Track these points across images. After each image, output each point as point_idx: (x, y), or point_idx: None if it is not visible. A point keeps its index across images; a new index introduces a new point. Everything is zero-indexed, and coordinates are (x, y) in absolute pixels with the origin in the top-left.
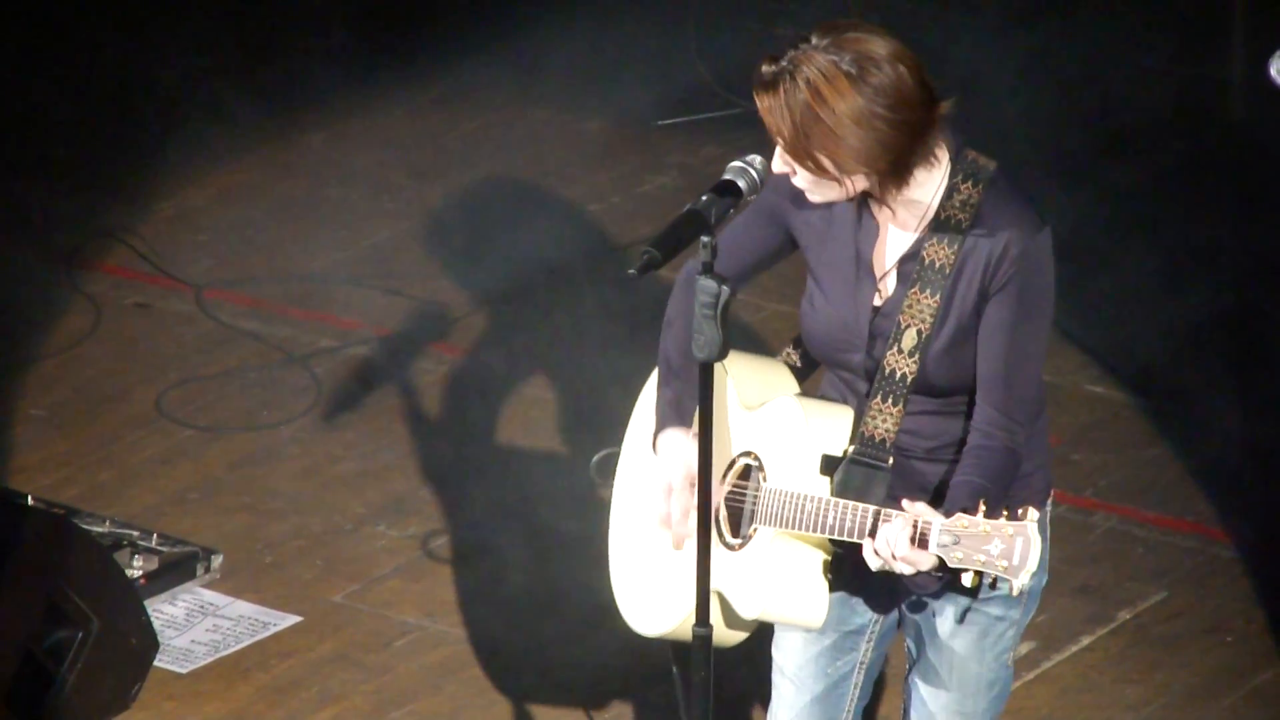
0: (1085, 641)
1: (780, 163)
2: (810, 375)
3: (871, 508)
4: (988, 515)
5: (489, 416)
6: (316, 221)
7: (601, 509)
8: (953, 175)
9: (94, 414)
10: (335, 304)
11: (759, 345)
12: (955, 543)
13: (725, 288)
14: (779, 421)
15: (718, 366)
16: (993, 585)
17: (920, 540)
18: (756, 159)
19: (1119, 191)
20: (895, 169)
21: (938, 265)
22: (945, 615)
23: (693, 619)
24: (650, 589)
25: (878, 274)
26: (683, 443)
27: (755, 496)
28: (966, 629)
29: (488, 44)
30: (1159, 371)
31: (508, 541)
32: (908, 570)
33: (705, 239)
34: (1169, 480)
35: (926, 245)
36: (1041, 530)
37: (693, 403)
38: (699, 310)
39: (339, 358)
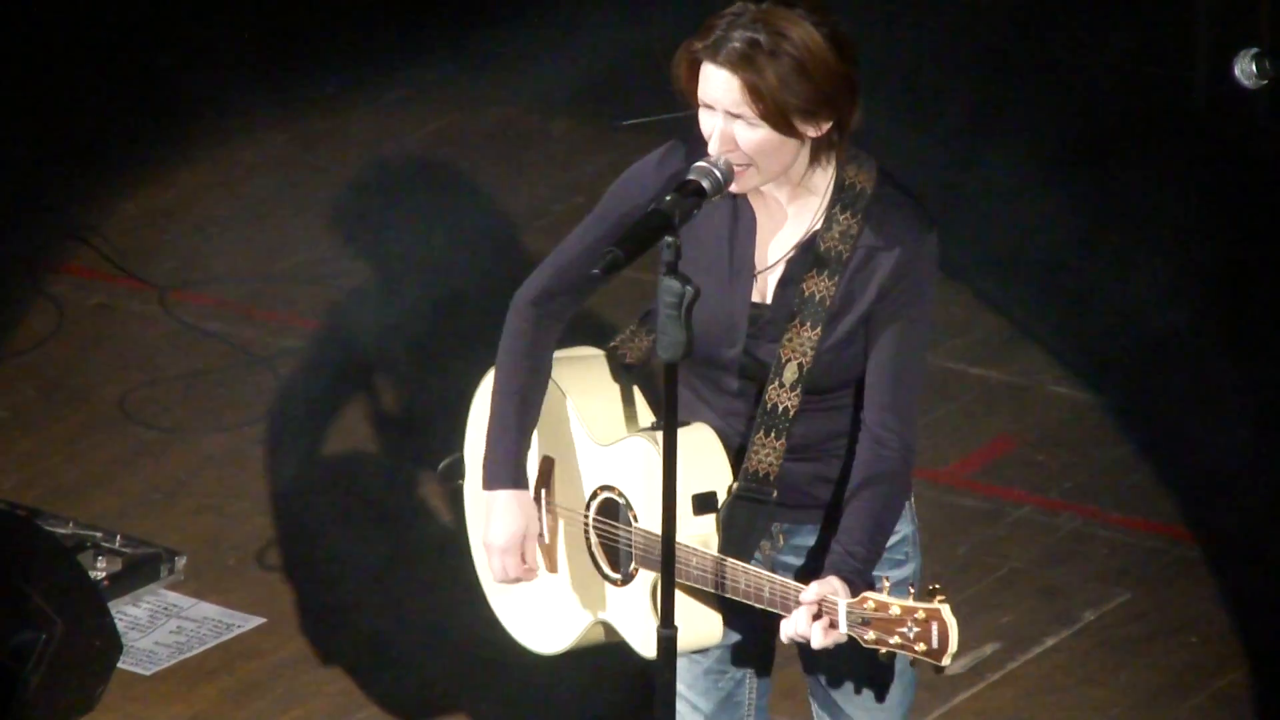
0: (1049, 643)
1: (723, 141)
2: (645, 364)
3: (765, 575)
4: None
5: (457, 418)
6: (280, 222)
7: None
8: (831, 205)
9: (57, 415)
10: (299, 305)
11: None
12: (864, 623)
13: (689, 288)
14: (639, 463)
15: (555, 392)
16: (913, 664)
17: (830, 622)
18: (721, 159)
19: (1083, 193)
20: (851, 113)
21: (818, 298)
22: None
23: (581, 642)
24: (532, 609)
25: (757, 268)
26: (516, 508)
27: (630, 538)
28: None
29: (450, 44)
30: (1124, 372)
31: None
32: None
33: (669, 239)
34: (1134, 481)
35: (806, 278)
36: (910, 517)
37: (526, 454)
38: (663, 310)
39: (303, 359)
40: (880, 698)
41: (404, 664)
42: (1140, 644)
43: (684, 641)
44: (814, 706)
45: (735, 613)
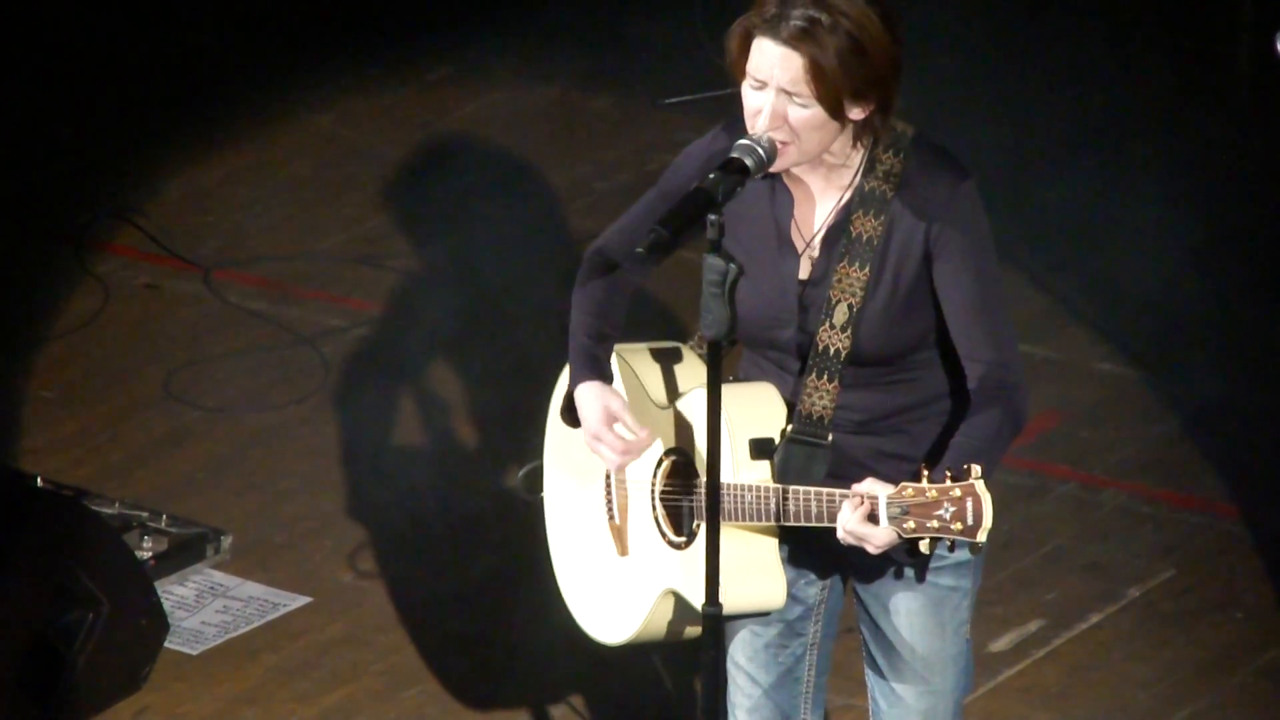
0: (1094, 619)
1: (773, 117)
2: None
3: (813, 490)
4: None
5: (499, 397)
6: (324, 201)
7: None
8: (873, 145)
9: (103, 395)
10: (343, 284)
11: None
12: (904, 513)
13: (733, 266)
14: (698, 414)
15: (624, 365)
16: (951, 548)
17: (872, 516)
18: (764, 137)
19: (1127, 168)
20: (894, 97)
21: (865, 238)
22: (897, 595)
23: (652, 623)
24: (604, 597)
25: (800, 246)
26: (599, 389)
27: (693, 494)
28: (921, 604)
29: (494, 21)
30: (1167, 347)
31: (519, 524)
32: (872, 549)
33: (712, 217)
34: (1178, 457)
35: (853, 218)
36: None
37: (608, 359)
38: (706, 288)
39: (347, 338)
40: (935, 680)
41: (452, 643)
42: (1185, 620)
43: (746, 601)
44: (871, 690)
45: (799, 588)
